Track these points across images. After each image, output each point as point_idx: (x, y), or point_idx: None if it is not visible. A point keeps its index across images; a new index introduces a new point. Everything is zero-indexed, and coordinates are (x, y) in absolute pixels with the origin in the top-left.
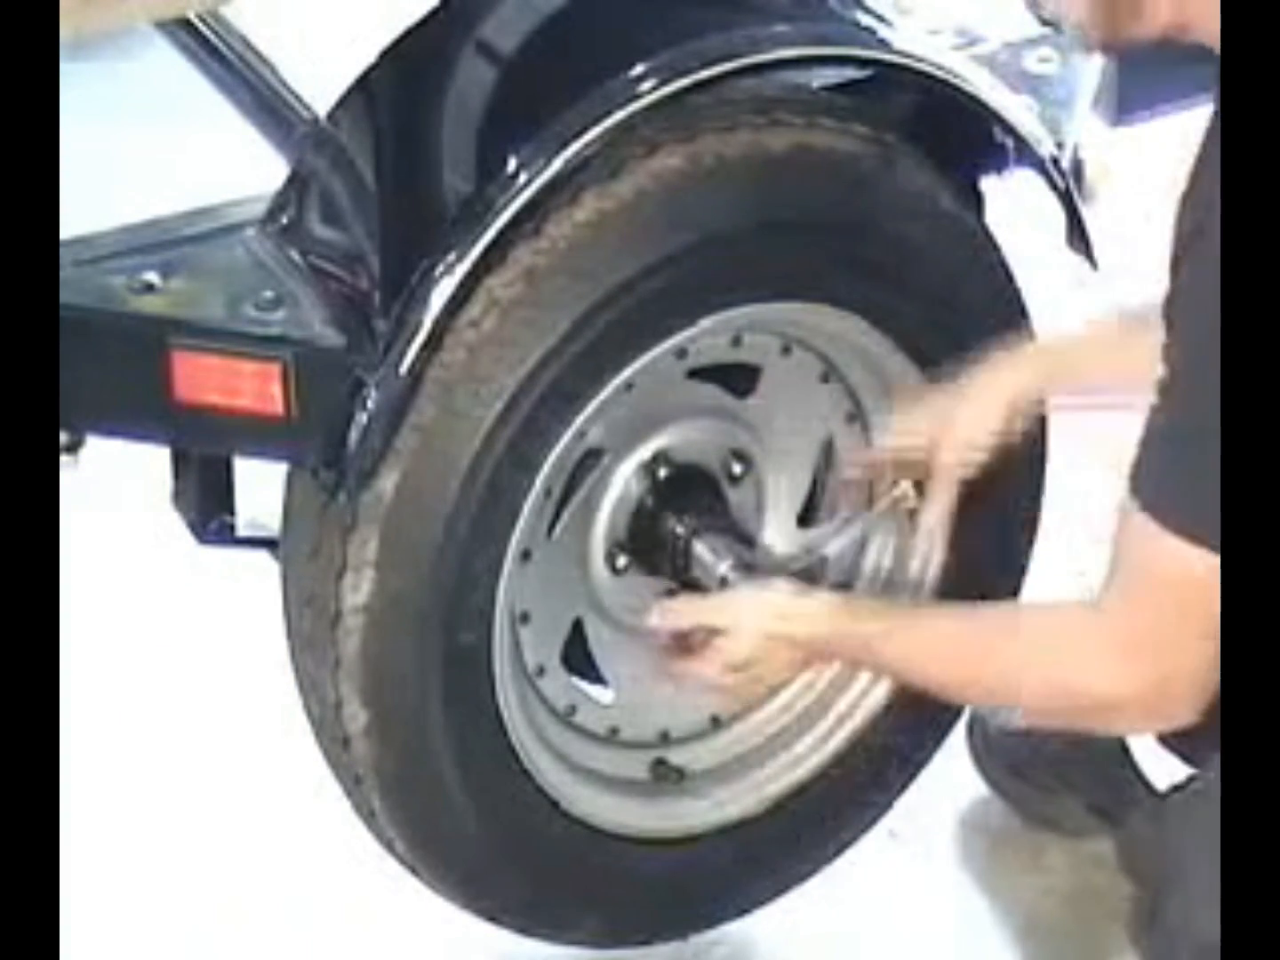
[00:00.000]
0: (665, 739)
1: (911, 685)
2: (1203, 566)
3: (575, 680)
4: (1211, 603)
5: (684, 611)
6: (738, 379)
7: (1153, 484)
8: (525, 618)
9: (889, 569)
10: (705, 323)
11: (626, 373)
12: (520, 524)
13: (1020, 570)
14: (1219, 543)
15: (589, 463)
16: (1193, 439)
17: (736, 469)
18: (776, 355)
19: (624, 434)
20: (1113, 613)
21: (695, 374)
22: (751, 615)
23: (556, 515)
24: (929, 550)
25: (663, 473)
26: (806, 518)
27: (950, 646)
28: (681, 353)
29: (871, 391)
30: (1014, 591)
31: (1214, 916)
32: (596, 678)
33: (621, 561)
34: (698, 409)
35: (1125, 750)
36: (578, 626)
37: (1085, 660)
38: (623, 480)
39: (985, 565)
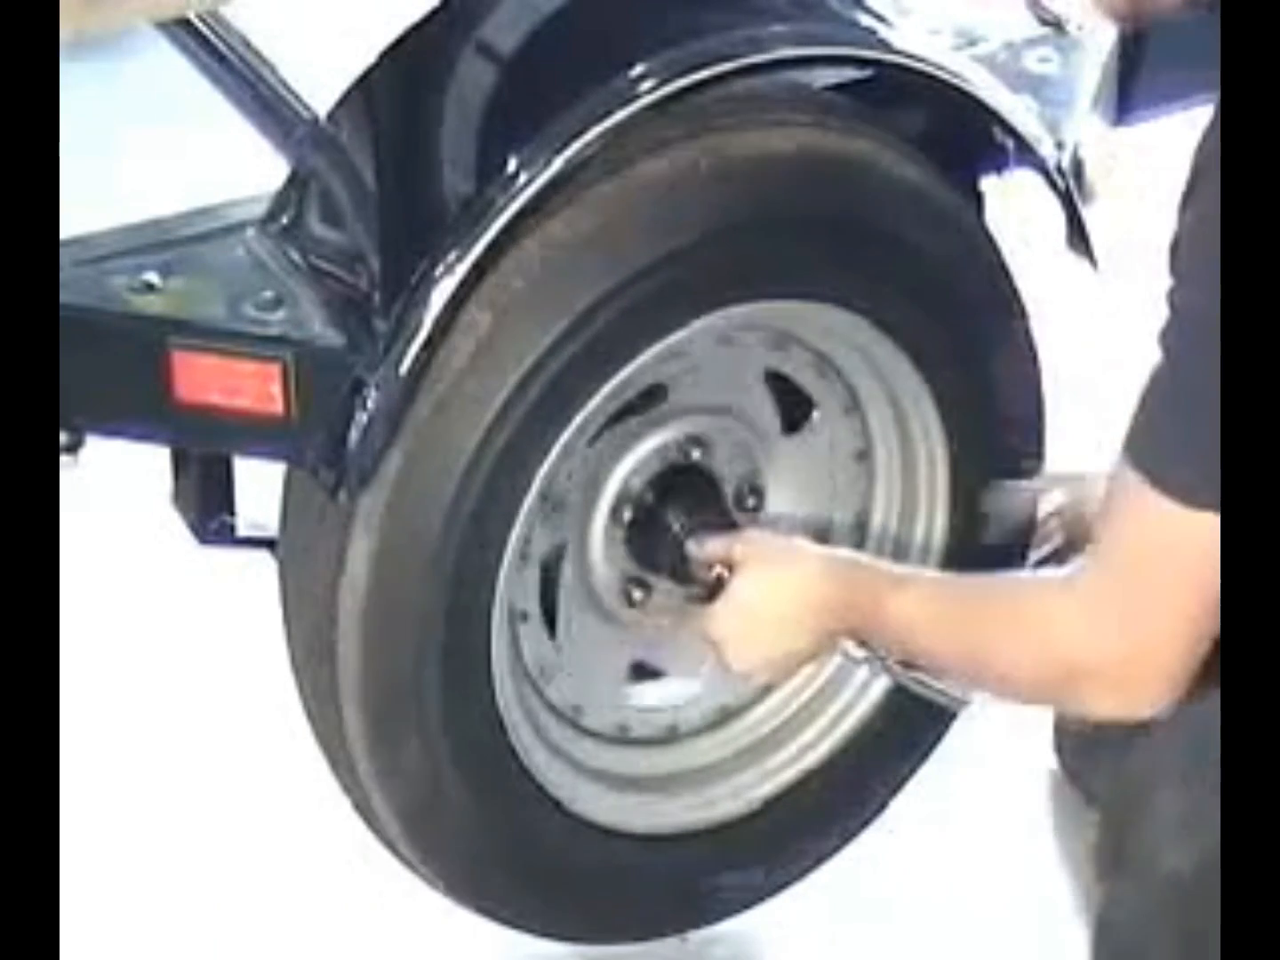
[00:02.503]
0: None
1: (910, 656)
2: (1191, 530)
3: None
4: (1196, 571)
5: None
6: None
7: (1146, 442)
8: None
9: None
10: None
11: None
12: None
13: None
14: (1211, 503)
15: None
16: (1190, 396)
17: None
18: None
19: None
20: (1095, 574)
21: None
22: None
23: None
24: None
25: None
26: None
27: (934, 618)
28: None
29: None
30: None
31: (1179, 850)
32: None
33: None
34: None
35: None
36: None
37: (1059, 621)
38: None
39: None
